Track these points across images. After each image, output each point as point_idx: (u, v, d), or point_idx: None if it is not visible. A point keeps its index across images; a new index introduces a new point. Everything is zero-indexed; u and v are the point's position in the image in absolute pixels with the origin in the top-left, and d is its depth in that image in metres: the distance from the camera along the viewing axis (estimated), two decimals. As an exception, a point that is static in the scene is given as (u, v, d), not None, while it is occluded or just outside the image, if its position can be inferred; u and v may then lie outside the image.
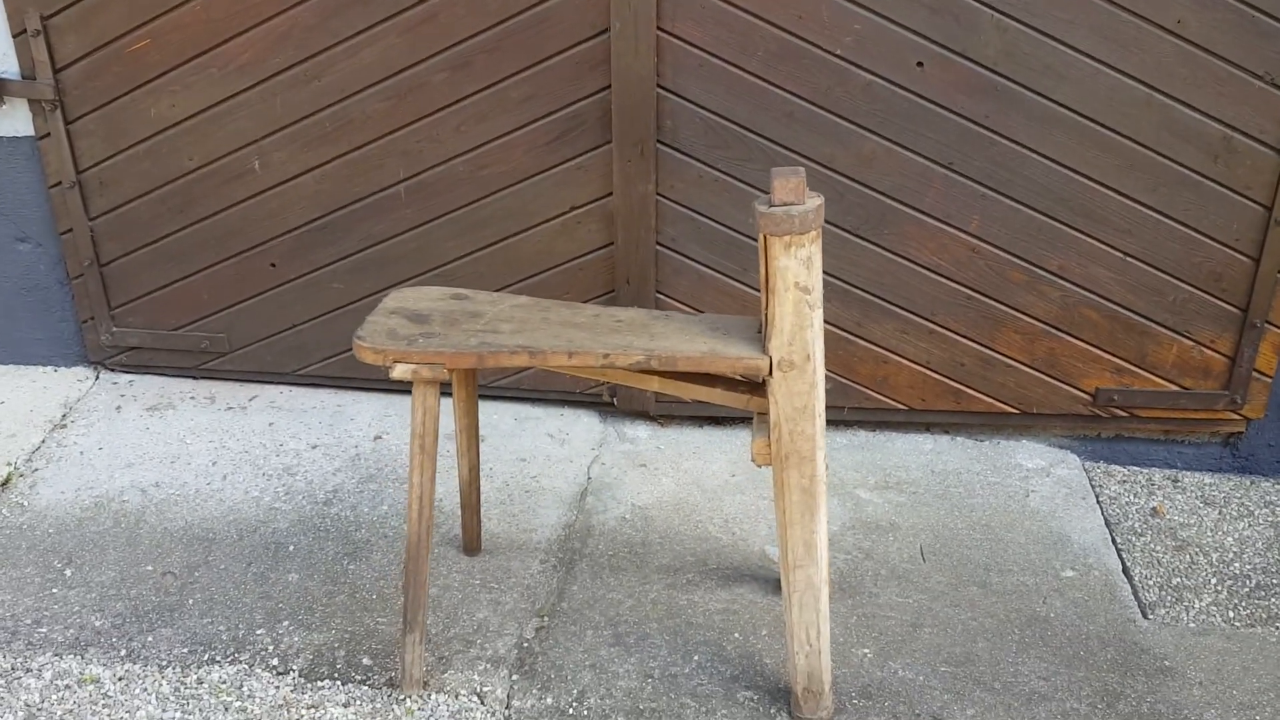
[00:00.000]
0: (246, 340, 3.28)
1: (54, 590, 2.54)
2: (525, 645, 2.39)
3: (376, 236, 3.07)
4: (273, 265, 3.16)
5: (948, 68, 2.69)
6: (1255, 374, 2.92)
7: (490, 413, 3.25)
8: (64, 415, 3.22)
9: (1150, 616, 2.53)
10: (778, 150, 2.82)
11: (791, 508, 2.08)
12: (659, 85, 2.78)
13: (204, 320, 3.26)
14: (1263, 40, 2.58)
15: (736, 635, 2.43)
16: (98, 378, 3.40)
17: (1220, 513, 2.93)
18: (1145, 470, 3.11)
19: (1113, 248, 2.83)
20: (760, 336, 2.12)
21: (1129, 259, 2.84)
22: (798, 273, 1.98)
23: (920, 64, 2.70)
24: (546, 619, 2.48)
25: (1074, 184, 2.77)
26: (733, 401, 2.16)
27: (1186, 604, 2.58)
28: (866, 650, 2.40)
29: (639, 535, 2.76)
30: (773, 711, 2.23)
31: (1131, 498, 2.98)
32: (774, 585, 2.59)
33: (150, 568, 2.62)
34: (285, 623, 2.45)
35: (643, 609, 2.50)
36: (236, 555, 2.66)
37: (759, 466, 2.28)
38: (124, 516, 2.79)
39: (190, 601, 2.51)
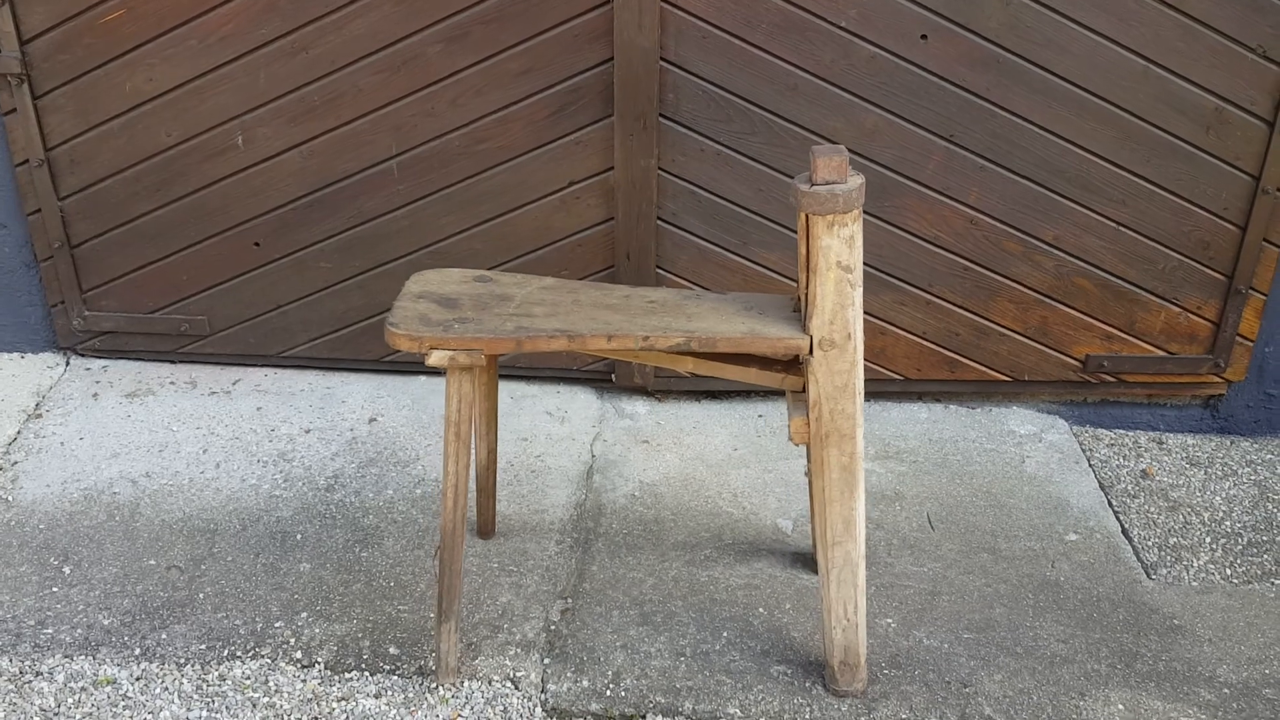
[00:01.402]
0: (228, 322, 3.17)
1: (54, 589, 2.45)
2: (553, 628, 2.38)
3: (367, 214, 2.99)
4: (256, 244, 3.05)
5: (951, 40, 2.70)
6: (1238, 338, 3.01)
7: (485, 391, 3.20)
8: (38, 404, 3.08)
9: (1154, 577, 2.61)
10: (780, 123, 2.80)
11: (831, 485, 2.09)
12: (662, 58, 2.74)
13: (183, 302, 3.15)
14: (1257, 14, 2.64)
15: (761, 610, 2.45)
16: (69, 364, 3.26)
17: (1206, 473, 3.03)
18: (1131, 433, 3.20)
19: (1106, 218, 2.89)
20: (796, 315, 2.12)
21: (1122, 229, 2.90)
22: (840, 252, 1.97)
23: (924, 36, 2.70)
24: (570, 600, 2.46)
25: (1071, 155, 2.82)
26: (768, 381, 2.16)
27: (1185, 563, 2.67)
28: (890, 620, 2.43)
29: (651, 512, 2.76)
30: (808, 685, 2.25)
31: (1121, 460, 3.07)
32: (790, 559, 2.61)
33: (153, 562, 2.53)
34: (304, 614, 2.40)
35: (665, 587, 2.50)
36: (242, 546, 2.59)
37: (796, 445, 2.28)
38: (117, 509, 2.69)
39: (201, 595, 2.44)
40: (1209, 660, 2.36)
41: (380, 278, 3.07)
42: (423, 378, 3.25)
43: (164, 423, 3.02)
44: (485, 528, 2.61)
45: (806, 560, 2.60)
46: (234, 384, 3.21)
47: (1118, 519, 2.81)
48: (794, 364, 2.15)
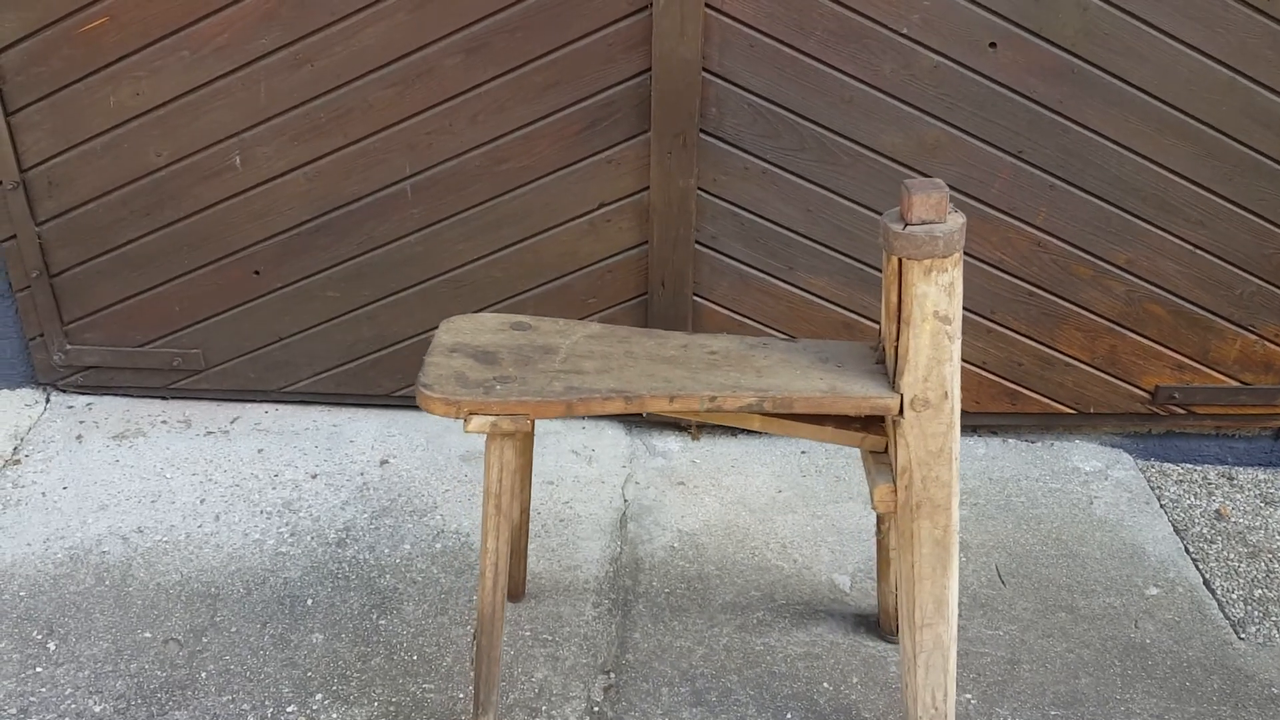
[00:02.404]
0: (225, 356, 2.91)
1: (38, 669, 2.19)
2: (597, 710, 2.14)
3: (378, 239, 2.73)
4: (256, 273, 2.79)
5: (1022, 48, 2.46)
6: (1319, 368, 2.80)
7: (506, 429, 2.95)
8: (15, 448, 2.82)
9: (1243, 636, 2.39)
10: (833, 139, 2.56)
11: (922, 561, 1.85)
12: (704, 69, 2.49)
13: (175, 335, 2.88)
14: (1356, 19, 2.41)
15: (826, 685, 2.22)
16: (49, 401, 2.99)
17: (1284, 513, 2.82)
18: (1199, 468, 2.98)
19: (1183, 240, 2.66)
20: (880, 367, 1.88)
21: (1199, 251, 2.67)
22: (938, 301, 1.74)
23: (993, 44, 2.46)
24: (613, 675, 2.22)
25: (1147, 173, 2.59)
26: (845, 441, 1.92)
27: (1275, 619, 2.46)
28: (969, 695, 2.21)
29: (694, 567, 2.52)
30: (886, 776, 2.03)
31: (1193, 499, 2.85)
32: (851, 622, 2.38)
33: (149, 634, 2.28)
34: (318, 695, 2.15)
35: (717, 658, 2.27)
36: (248, 614, 2.34)
37: (880, 514, 2.05)
38: (107, 572, 2.44)
39: (203, 675, 2.19)
40: (1320, 737, 2.15)
41: (391, 308, 2.81)
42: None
43: (156, 468, 2.76)
44: (515, 590, 2.37)
45: (869, 624, 2.37)
46: (232, 422, 2.95)
47: (1197, 568, 2.59)
48: (874, 420, 1.91)
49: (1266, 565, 2.63)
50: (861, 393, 1.80)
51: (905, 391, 1.79)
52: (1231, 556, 2.65)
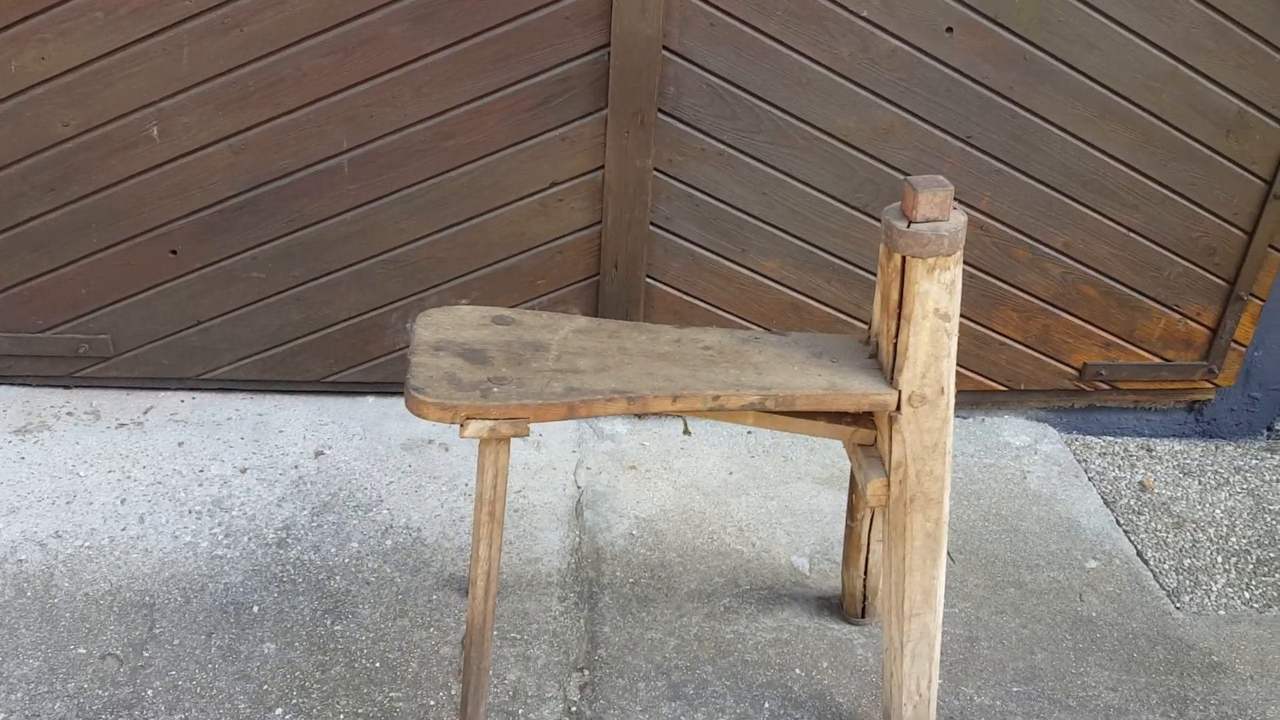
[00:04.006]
0: (137, 341, 2.70)
1: (-40, 696, 2.00)
2: (574, 710, 2.09)
3: (310, 217, 2.56)
4: (173, 252, 2.59)
5: (977, 33, 2.47)
6: (1233, 344, 2.93)
7: (446, 415, 2.84)
8: (-99, 446, 2.56)
9: (1179, 606, 2.51)
10: (790, 121, 2.53)
11: (913, 554, 1.86)
12: (664, 46, 2.41)
13: (81, 319, 2.65)
14: (1288, 13, 2.50)
15: (798, 671, 2.22)
16: (-65, 392, 2.73)
17: (1200, 482, 2.96)
18: (1120, 440, 3.10)
19: (1117, 223, 2.74)
20: (872, 361, 1.86)
21: (1131, 234, 2.76)
22: (940, 299, 1.73)
23: (950, 29, 2.46)
24: (588, 672, 2.17)
25: (1088, 158, 2.65)
26: (836, 435, 1.91)
27: (1205, 588, 2.58)
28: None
29: (655, 555, 2.48)
30: (869, 763, 2.05)
31: (1118, 471, 2.97)
32: (814, 604, 2.39)
33: (83, 650, 2.11)
34: (278, 710, 2.03)
35: (689, 649, 2.24)
36: (190, 624, 2.19)
37: (872, 508, 2.04)
38: (27, 582, 2.24)
39: (149, 693, 2.04)
40: (1256, 702, 2.27)
41: (324, 289, 2.66)
42: (371, 399, 2.87)
43: (68, 465, 2.55)
44: (478, 588, 2.28)
45: (832, 606, 2.38)
46: (145, 413, 2.74)
47: (1130, 540, 2.70)
48: (864, 416, 1.90)
49: (1192, 535, 2.76)
50: (860, 389, 1.79)
51: (903, 387, 1.78)
52: (1159, 527, 2.78)
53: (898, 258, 1.72)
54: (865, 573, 2.24)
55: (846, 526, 2.22)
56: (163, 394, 2.80)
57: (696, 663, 2.21)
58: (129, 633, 2.15)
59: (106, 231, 2.54)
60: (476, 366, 1.74)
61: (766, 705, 2.13)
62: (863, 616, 2.32)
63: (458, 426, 2.75)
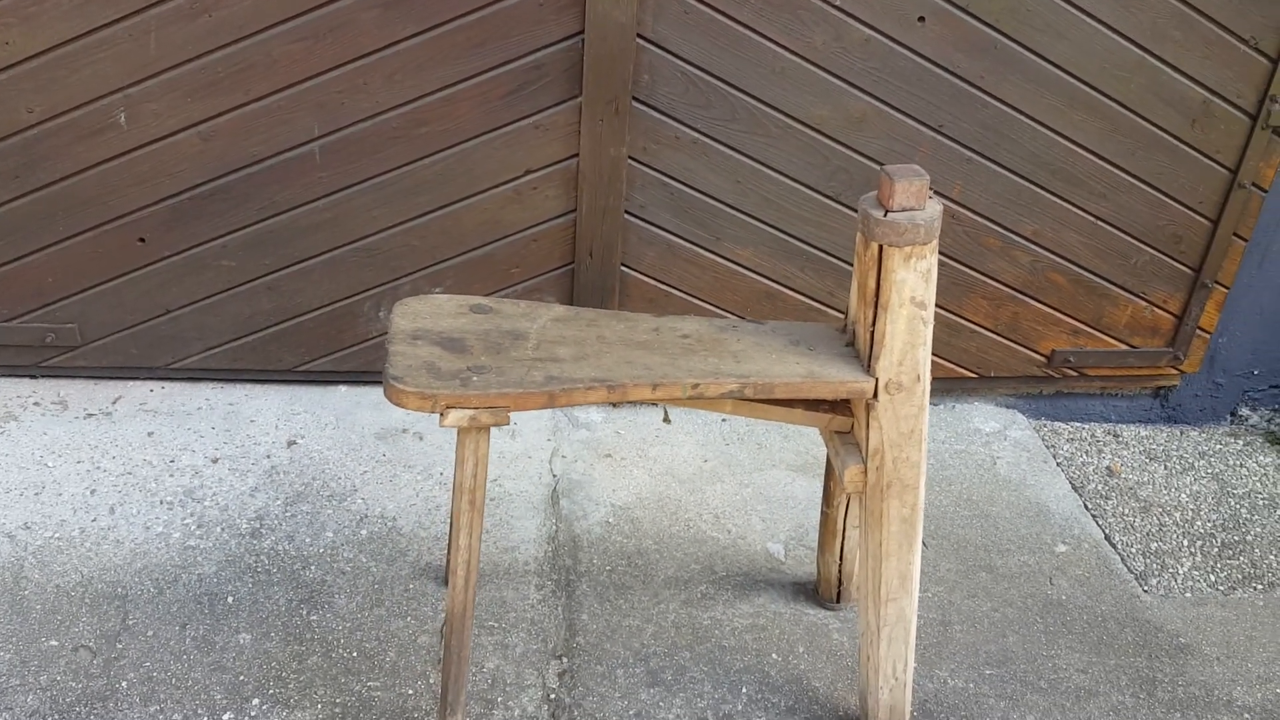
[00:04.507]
0: (104, 331, 2.66)
1: (-71, 691, 1.97)
2: (554, 697, 2.09)
3: (281, 204, 2.54)
4: (141, 241, 2.56)
5: (949, 23, 2.49)
6: (1198, 331, 2.98)
7: (420, 404, 2.82)
8: None
9: (1147, 589, 2.55)
10: (763, 110, 2.53)
11: (889, 539, 1.88)
12: (639, 34, 2.41)
13: (48, 308, 2.62)
14: (1252, 4, 2.54)
15: (775, 656, 2.24)
16: (-104, 382, 2.68)
17: (1165, 467, 3.01)
18: (1087, 425, 3.15)
19: (1086, 211, 2.77)
20: (850, 350, 1.88)
21: (1100, 223, 2.79)
22: (916, 287, 1.74)
23: (922, 19, 2.47)
24: (566, 660, 2.18)
25: (1057, 147, 2.67)
26: (812, 422, 1.92)
27: (1171, 571, 2.63)
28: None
29: (631, 543, 2.49)
30: (845, 746, 2.07)
31: (1085, 457, 3.01)
32: (790, 590, 2.40)
33: (55, 642, 2.08)
34: (254, 700, 2.02)
35: (667, 635, 2.25)
36: (163, 615, 2.17)
37: (850, 494, 2.05)
38: (-5, 576, 2.21)
39: (124, 685, 2.02)
40: (1223, 682, 2.31)
41: (294, 277, 2.63)
42: (343, 388, 2.85)
43: (36, 456, 2.52)
44: (455, 577, 2.28)
45: (807, 591, 2.40)
46: (114, 403, 2.71)
47: (1098, 524, 2.74)
48: (841, 403, 1.91)
49: (1158, 519, 2.81)
50: (838, 377, 1.80)
51: (880, 375, 1.79)
52: (1126, 512, 2.82)
53: (874, 246, 1.73)
54: (840, 558, 2.26)
55: (822, 513, 2.24)
56: (131, 384, 2.77)
57: (674, 649, 2.23)
58: (101, 624, 2.13)
59: (73, 219, 2.51)
60: (455, 355, 1.74)
61: (744, 690, 2.15)
62: (838, 601, 2.34)
63: (433, 416, 2.76)
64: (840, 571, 2.29)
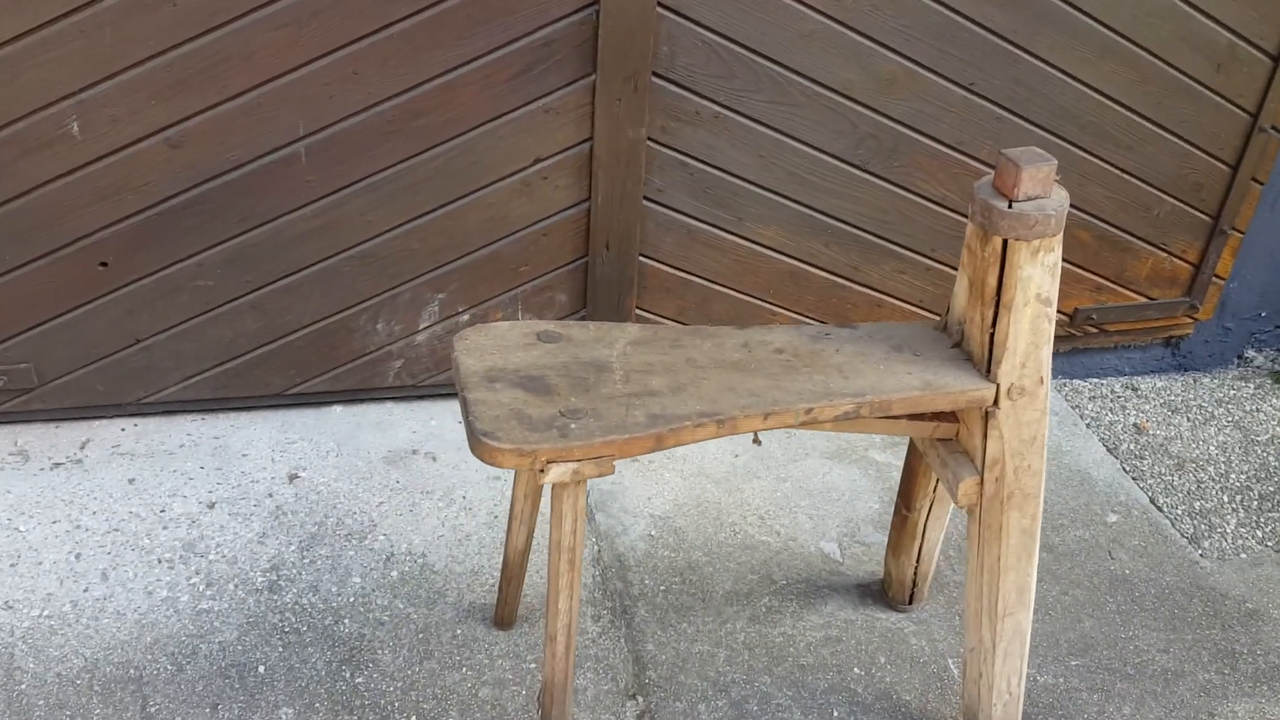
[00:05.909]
0: (64, 368, 2.35)
1: (-68, 819, 1.71)
2: (639, 743, 1.93)
3: (264, 214, 2.26)
4: (103, 265, 2.25)
5: (983, -25, 2.32)
6: (1214, 278, 2.92)
7: (427, 417, 2.59)
8: None
9: (1202, 552, 2.49)
10: (789, 76, 2.33)
11: (1008, 552, 1.75)
12: (659, 3, 2.18)
13: (-3, 348, 2.30)
14: (1284, -58, 2.43)
15: (857, 671, 2.10)
16: None
17: (1188, 419, 2.96)
18: (1105, 380, 3.08)
19: (1111, 164, 2.66)
20: (955, 351, 1.72)
21: (1125, 175, 2.69)
22: (1042, 283, 1.59)
23: (955, -29, 2.30)
24: (641, 699, 2.01)
25: (1087, 100, 2.54)
26: (917, 433, 1.77)
27: (1220, 531, 2.58)
28: (997, 659, 2.16)
29: (680, 556, 2.32)
30: (952, 764, 1.95)
31: (1112, 415, 2.94)
32: (855, 593, 2.27)
33: (68, 745, 1.83)
34: (312, 786, 1.81)
35: (741, 659, 2.10)
36: (188, 697, 1.92)
37: (961, 508, 1.90)
38: (-16, 669, 1.93)
39: (159, 787, 1.78)
40: (1299, 646, 2.27)
41: (282, 293, 2.36)
42: (338, 408, 2.59)
43: (3, 520, 2.22)
44: (507, 618, 2.08)
45: (873, 593, 2.27)
46: (82, 448, 2.41)
47: (1140, 489, 2.67)
48: (948, 411, 1.76)
49: (1194, 476, 2.75)
50: (957, 386, 1.64)
51: (1002, 380, 1.64)
52: (1163, 471, 2.76)
53: (997, 240, 1.57)
54: (918, 560, 2.13)
55: (899, 515, 2.10)
56: (98, 423, 2.47)
57: (752, 674, 2.07)
58: (118, 715, 1.88)
59: (22, 246, 2.18)
60: (542, 399, 1.52)
61: (835, 713, 2.01)
62: (910, 603, 2.21)
63: (442, 432, 2.53)
64: (916, 574, 2.16)
